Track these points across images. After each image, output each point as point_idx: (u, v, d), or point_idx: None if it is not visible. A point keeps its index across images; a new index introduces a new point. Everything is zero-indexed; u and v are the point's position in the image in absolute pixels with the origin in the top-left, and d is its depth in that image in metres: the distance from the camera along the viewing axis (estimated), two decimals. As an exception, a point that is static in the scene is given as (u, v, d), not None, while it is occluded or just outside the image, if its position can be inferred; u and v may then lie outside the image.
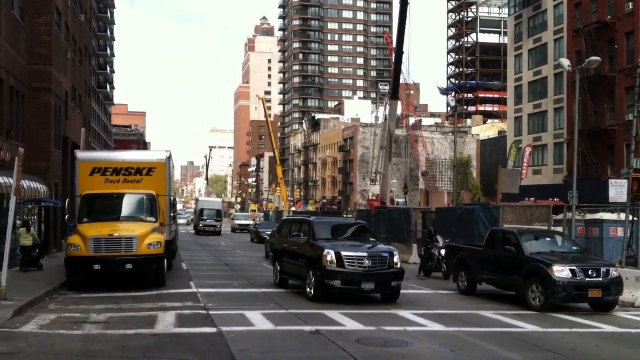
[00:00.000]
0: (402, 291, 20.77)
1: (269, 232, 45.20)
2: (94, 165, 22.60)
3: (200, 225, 63.28)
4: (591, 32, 50.50)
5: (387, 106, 53.74)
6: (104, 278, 20.43)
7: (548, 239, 19.63)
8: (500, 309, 17.37)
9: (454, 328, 14.15)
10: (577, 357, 11.81)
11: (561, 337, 13.74)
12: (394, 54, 52.38)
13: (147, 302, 17.24)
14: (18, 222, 25.80)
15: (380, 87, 67.30)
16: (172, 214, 24.09)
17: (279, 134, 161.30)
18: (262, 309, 16.11)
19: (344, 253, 17.48)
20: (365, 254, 17.69)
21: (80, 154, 23.71)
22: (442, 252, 24.77)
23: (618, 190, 43.42)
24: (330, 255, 17.42)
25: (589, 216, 27.23)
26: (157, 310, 15.82)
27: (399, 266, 18.16)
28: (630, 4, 46.83)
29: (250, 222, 69.03)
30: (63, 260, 20.90)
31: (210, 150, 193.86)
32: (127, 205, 21.86)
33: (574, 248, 19.26)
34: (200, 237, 57.80)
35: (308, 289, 18.15)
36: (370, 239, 19.60)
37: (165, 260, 21.47)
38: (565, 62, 24.57)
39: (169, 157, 23.50)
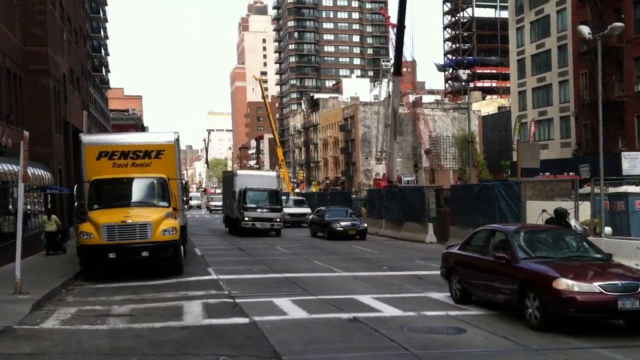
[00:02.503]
0: (429, 272, 20.24)
1: (346, 225, 34.59)
2: (100, 149, 21.71)
3: (247, 219, 36.95)
4: (597, 2, 49.41)
5: (391, 83, 52.75)
6: (118, 267, 19.69)
7: None
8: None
9: (498, 311, 13.39)
10: None
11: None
12: (395, 30, 51.30)
13: (168, 291, 16.54)
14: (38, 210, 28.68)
15: (383, 63, 65.91)
16: (184, 199, 23.25)
17: (277, 115, 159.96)
18: (289, 296, 15.39)
19: None
20: None
21: (86, 138, 22.83)
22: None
23: (631, 162, 42.99)
24: None
25: (611, 190, 26.37)
26: (181, 299, 15.09)
27: None
28: (639, -29, 45.83)
29: (307, 210, 47.88)
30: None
31: (209, 133, 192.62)
32: (138, 190, 21.04)
33: None
34: (235, 238, 36.83)
35: None
36: None
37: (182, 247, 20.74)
38: (585, 29, 23.66)
39: (177, 139, 22.64)
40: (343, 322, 12.36)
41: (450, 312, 13.33)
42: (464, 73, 35.87)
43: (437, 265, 22.40)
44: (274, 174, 44.48)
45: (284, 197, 45.07)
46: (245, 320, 12.49)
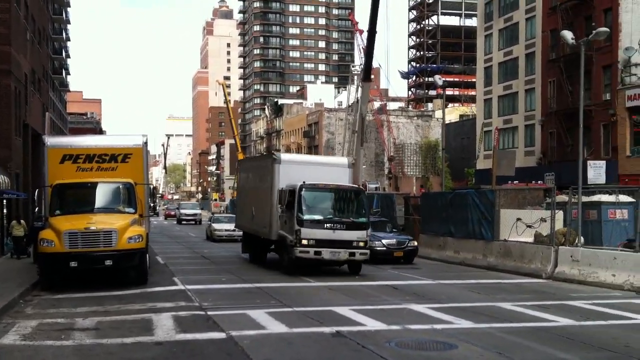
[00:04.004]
0: (404, 282, 19.75)
1: (390, 243, 25.87)
2: (64, 152, 20.78)
3: (306, 242, 21.13)
4: (568, 9, 49.67)
5: (360, 89, 52.25)
6: (79, 276, 18.71)
7: None
8: (515, 300, 16.25)
9: (484, 325, 12.88)
10: (636, 354, 10.63)
11: (603, 331, 12.56)
12: (365, 34, 50.80)
13: (134, 302, 15.62)
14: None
15: (352, 68, 65.41)
16: (151, 205, 22.34)
17: (240, 120, 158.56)
18: (264, 308, 14.64)
19: None
20: None
21: (50, 140, 21.82)
22: None
23: (596, 171, 43.22)
24: None
25: (585, 199, 26.22)
26: (149, 312, 14.22)
27: None
28: (608, -21, 46.17)
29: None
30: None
31: (168, 138, 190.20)
32: (103, 195, 20.10)
33: None
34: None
35: None
36: None
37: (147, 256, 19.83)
38: (569, 34, 23.49)
39: (146, 143, 21.77)
40: (326, 336, 11.67)
41: (435, 325, 12.76)
42: (440, 79, 35.56)
43: (409, 274, 22.06)
44: (344, 160, 25.05)
45: None
46: (222, 335, 11.71)
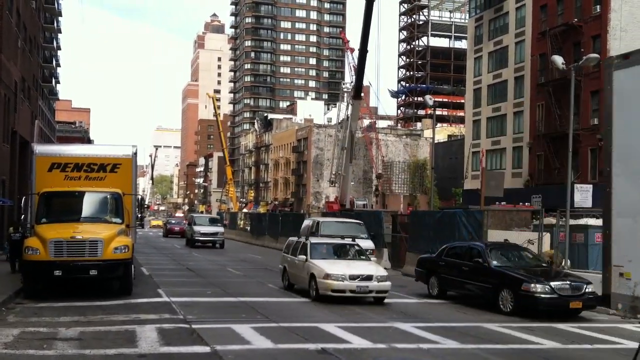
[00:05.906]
0: (390, 300, 19.65)
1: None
2: (53, 161, 20.72)
3: None
4: (557, 34, 50.32)
5: (350, 106, 52.61)
6: (63, 285, 18.52)
7: None
8: (501, 321, 16.21)
9: (470, 345, 12.84)
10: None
11: (588, 355, 12.56)
12: (357, 53, 51.20)
13: (118, 313, 15.48)
14: None
15: (343, 86, 65.76)
16: (138, 215, 22.24)
17: (229, 134, 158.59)
18: (249, 322, 14.54)
19: None
20: None
21: (39, 148, 21.74)
22: None
23: (583, 195, 43.44)
24: None
25: (572, 222, 26.32)
26: (133, 323, 14.08)
27: None
28: (598, 7, 46.79)
29: (369, 243, 27.70)
30: None
31: (156, 149, 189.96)
32: (91, 204, 19.95)
33: None
34: None
35: None
36: None
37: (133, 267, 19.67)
38: (559, 59, 23.67)
39: (135, 153, 21.72)
40: (311, 353, 11.60)
41: (421, 345, 12.70)
42: (430, 99, 35.69)
43: (396, 293, 21.99)
44: None
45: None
46: (207, 349, 11.60)
